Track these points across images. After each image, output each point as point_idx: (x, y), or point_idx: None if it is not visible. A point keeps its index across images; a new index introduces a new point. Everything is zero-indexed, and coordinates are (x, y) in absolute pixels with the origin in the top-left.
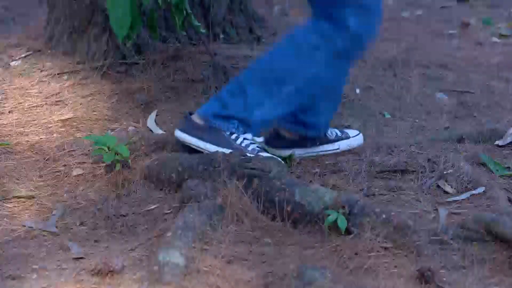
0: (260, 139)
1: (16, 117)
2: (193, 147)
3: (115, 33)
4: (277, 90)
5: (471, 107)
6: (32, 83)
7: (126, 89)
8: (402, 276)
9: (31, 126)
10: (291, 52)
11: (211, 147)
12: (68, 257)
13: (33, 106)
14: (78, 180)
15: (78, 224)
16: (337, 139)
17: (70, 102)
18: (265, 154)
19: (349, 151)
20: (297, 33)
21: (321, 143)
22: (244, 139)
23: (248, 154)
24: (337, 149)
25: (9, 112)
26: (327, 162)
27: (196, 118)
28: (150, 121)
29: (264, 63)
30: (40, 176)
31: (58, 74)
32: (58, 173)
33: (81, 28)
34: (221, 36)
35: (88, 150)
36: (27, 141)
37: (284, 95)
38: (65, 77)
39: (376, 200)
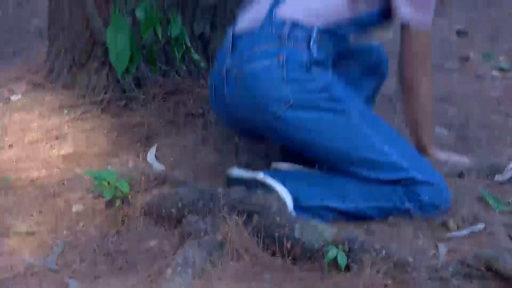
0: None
1: (16, 152)
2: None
3: (115, 67)
4: (329, 199)
5: (471, 141)
6: (32, 117)
7: (126, 124)
8: None
9: (31, 161)
10: (365, 191)
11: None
12: None
13: (33, 141)
14: (78, 216)
15: (78, 260)
16: None
17: (70, 136)
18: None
19: None
20: (377, 185)
21: None
22: None
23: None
24: None
25: (9, 147)
26: None
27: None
28: (150, 156)
29: (335, 179)
30: (40, 212)
31: (58, 108)
32: (58, 209)
33: (81, 61)
34: None
35: (88, 186)
36: (27, 176)
37: (329, 207)
38: (65, 111)
39: (376, 236)
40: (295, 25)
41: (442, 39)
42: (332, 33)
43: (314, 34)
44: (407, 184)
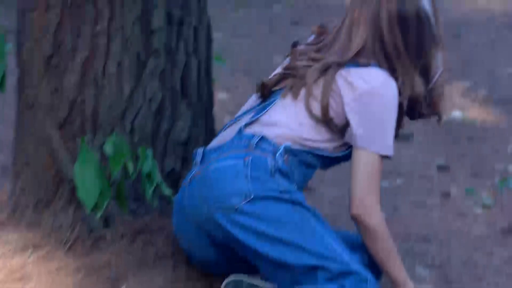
0: None
1: None
2: None
3: (83, 205)
4: None
5: (453, 282)
6: None
7: (93, 264)
8: None
9: None
10: None
11: None
12: None
13: None
14: None
15: None
16: None
17: (35, 277)
18: None
19: None
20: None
21: None
22: None
23: None
24: None
25: None
26: None
27: None
28: None
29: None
30: None
31: (22, 248)
32: None
33: (47, 199)
34: None
35: None
36: None
37: None
38: (30, 251)
39: None
40: (263, 139)
41: (422, 174)
42: (299, 158)
43: (281, 149)
44: (356, 278)
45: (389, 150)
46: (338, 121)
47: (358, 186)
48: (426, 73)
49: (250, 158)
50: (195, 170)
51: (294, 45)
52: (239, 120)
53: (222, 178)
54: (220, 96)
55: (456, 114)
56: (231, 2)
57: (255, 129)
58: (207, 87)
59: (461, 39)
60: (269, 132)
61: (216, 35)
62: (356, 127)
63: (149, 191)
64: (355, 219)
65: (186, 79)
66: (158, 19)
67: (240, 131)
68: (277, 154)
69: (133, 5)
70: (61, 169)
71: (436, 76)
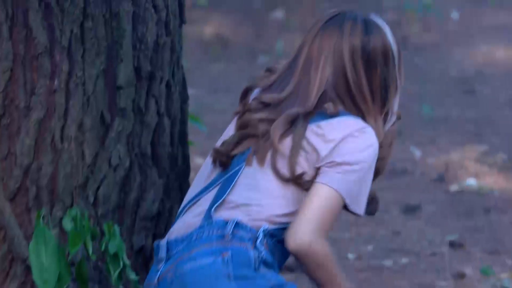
0: None
1: None
2: None
3: (39, 287)
4: None
5: None
6: None
7: None
8: None
9: None
10: None
11: None
12: None
13: None
14: None
15: None
16: None
17: None
18: None
19: None
20: None
21: None
22: None
23: None
24: None
25: None
26: None
27: None
28: None
29: None
30: None
31: None
32: None
33: None
34: None
35: None
36: None
37: None
38: None
39: None
40: (238, 224)
41: (431, 252)
42: (277, 238)
43: (260, 235)
44: None
45: (360, 209)
46: (310, 181)
47: (308, 221)
48: (385, 120)
49: (229, 253)
50: (163, 269)
51: (245, 92)
52: (198, 200)
53: (200, 282)
54: (197, 161)
55: (471, 182)
56: (208, 54)
57: (225, 213)
58: (182, 151)
59: (475, 95)
60: (242, 215)
61: (192, 92)
62: (329, 177)
63: (115, 274)
64: (295, 255)
65: (158, 143)
66: (124, 74)
67: (208, 217)
68: (258, 242)
69: (96, 57)
70: (14, 247)
71: (389, 125)
